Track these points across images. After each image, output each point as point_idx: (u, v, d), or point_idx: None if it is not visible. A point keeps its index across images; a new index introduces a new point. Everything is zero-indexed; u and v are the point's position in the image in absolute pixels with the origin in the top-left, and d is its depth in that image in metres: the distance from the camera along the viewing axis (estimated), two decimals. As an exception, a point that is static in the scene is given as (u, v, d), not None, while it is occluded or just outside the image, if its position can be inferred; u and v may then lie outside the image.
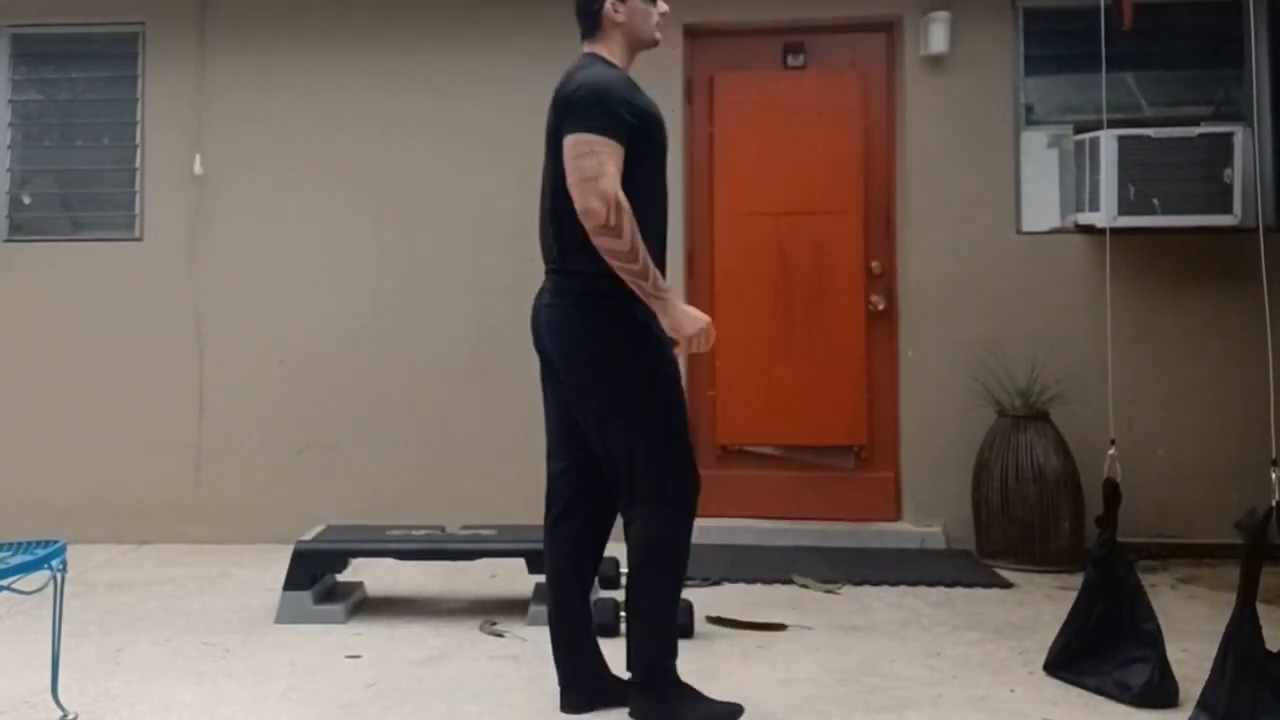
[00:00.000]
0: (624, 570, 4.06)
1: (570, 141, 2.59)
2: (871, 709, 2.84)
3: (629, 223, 2.53)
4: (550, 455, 2.94)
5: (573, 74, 2.74)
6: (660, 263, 2.69)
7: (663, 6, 2.84)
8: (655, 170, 2.78)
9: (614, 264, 2.56)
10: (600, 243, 2.55)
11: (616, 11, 2.75)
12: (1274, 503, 2.61)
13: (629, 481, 2.68)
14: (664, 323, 2.63)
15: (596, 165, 2.53)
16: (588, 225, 2.54)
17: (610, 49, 2.80)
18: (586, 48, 2.84)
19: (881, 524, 4.82)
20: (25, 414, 5.00)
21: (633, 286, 2.59)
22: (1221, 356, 4.66)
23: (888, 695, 2.95)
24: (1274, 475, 2.63)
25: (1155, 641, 2.87)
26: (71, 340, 5.02)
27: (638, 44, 2.82)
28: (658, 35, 2.84)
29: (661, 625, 2.72)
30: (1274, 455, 2.63)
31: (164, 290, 5.01)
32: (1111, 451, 3.08)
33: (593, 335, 2.66)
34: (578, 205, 2.55)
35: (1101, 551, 3.02)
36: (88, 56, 5.17)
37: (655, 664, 2.70)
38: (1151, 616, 2.90)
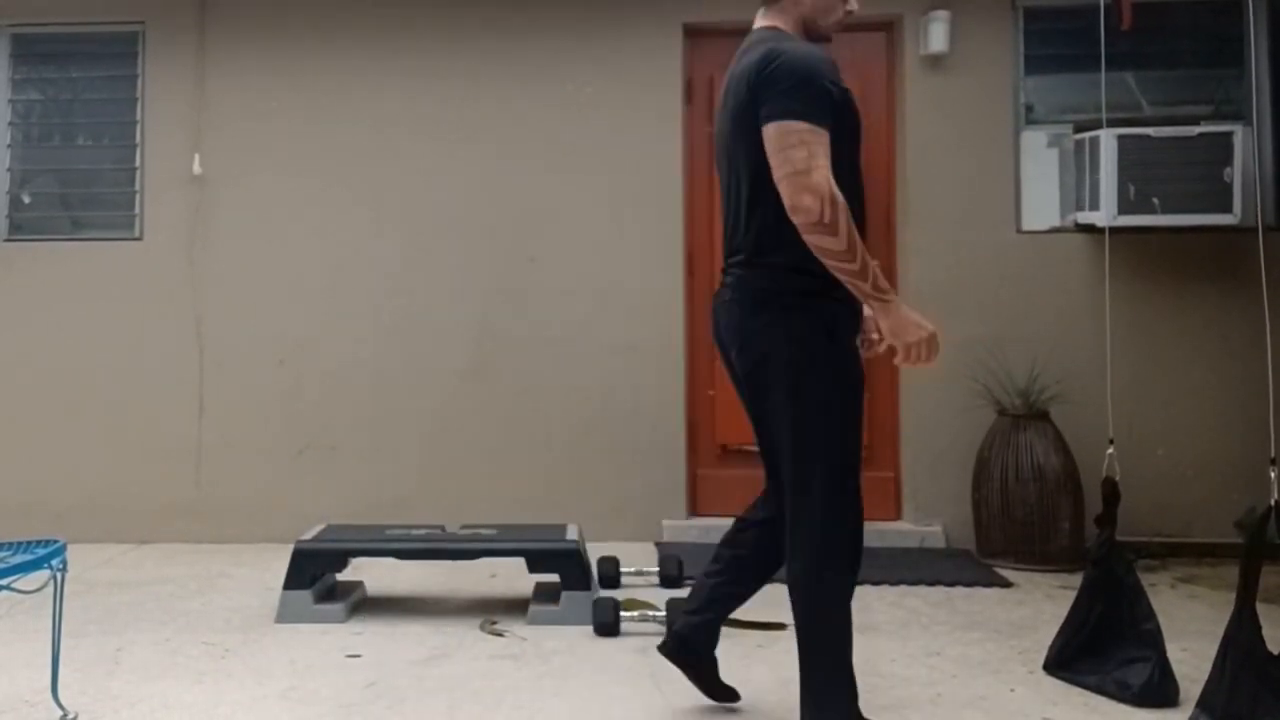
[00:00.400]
0: (624, 570, 4.10)
1: (775, 130, 2.34)
2: (871, 709, 2.84)
3: (845, 218, 2.30)
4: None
5: (763, 47, 2.46)
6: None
7: (853, 5, 2.62)
8: (852, 154, 2.56)
9: (830, 264, 2.33)
10: (814, 241, 2.32)
11: None
12: (1273, 501, 2.60)
13: (789, 519, 2.50)
14: (884, 326, 2.39)
15: (807, 157, 2.30)
16: (799, 222, 2.31)
17: (781, 21, 2.57)
18: (764, 20, 2.62)
19: (881, 524, 4.81)
20: (25, 414, 5.00)
21: (851, 287, 2.35)
22: (1221, 356, 4.66)
23: (887, 695, 2.95)
24: (1273, 474, 2.63)
25: (1155, 641, 2.87)
26: (71, 340, 5.02)
27: (813, 32, 2.59)
28: (833, 32, 2.62)
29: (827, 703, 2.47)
30: (1273, 454, 2.63)
31: (164, 290, 5.01)
32: (1110, 451, 3.08)
33: (768, 335, 2.45)
34: (788, 202, 2.32)
35: (1101, 551, 3.02)
36: (88, 56, 5.17)
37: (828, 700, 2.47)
38: (1151, 616, 2.91)
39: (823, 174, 2.30)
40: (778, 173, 2.34)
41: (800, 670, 2.49)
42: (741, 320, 2.51)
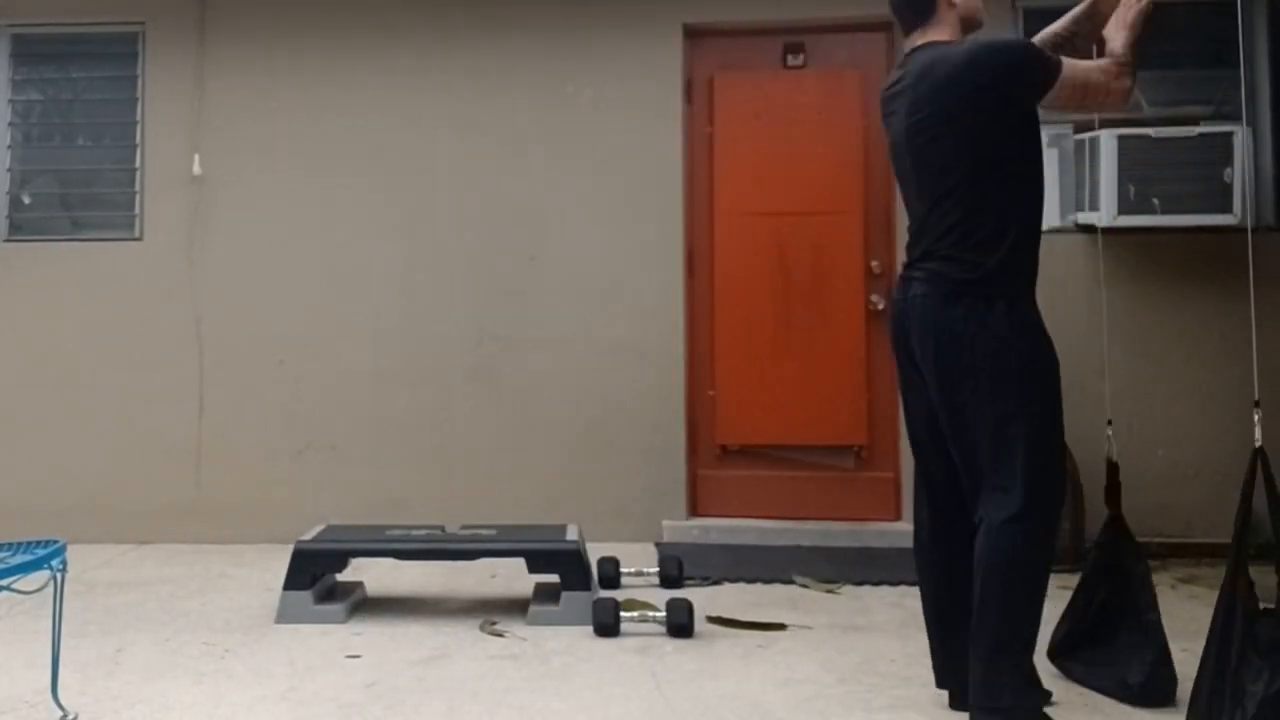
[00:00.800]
0: (624, 570, 4.10)
1: (1061, 82, 2.55)
2: (871, 709, 2.85)
3: (1131, 70, 2.58)
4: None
5: (959, 51, 2.63)
6: (1034, 259, 2.68)
7: None
8: (1037, 146, 2.73)
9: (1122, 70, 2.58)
10: (1118, 85, 2.58)
11: None
12: (1256, 444, 2.70)
13: (997, 485, 2.56)
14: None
15: (1082, 84, 2.57)
16: (1114, 89, 2.58)
17: (943, 33, 2.70)
18: (919, 39, 2.73)
19: (881, 524, 4.82)
20: (25, 414, 5.00)
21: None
22: (1221, 356, 4.66)
23: (887, 695, 2.95)
24: (1256, 416, 2.76)
25: (1157, 634, 2.85)
26: (71, 340, 5.02)
27: (970, 25, 2.76)
28: (983, 16, 2.80)
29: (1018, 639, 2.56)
30: (1256, 397, 2.81)
31: (164, 290, 5.01)
32: (1109, 432, 3.09)
33: (974, 326, 2.56)
34: (1110, 91, 2.57)
35: (1107, 535, 3.01)
36: (88, 56, 5.17)
37: (1004, 689, 2.51)
38: (1154, 607, 2.89)
39: (1101, 71, 2.58)
40: (1077, 102, 2.61)
41: (994, 640, 2.53)
42: (939, 316, 2.59)
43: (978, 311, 2.55)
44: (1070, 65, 2.55)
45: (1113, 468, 3.07)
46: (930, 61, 2.64)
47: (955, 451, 2.64)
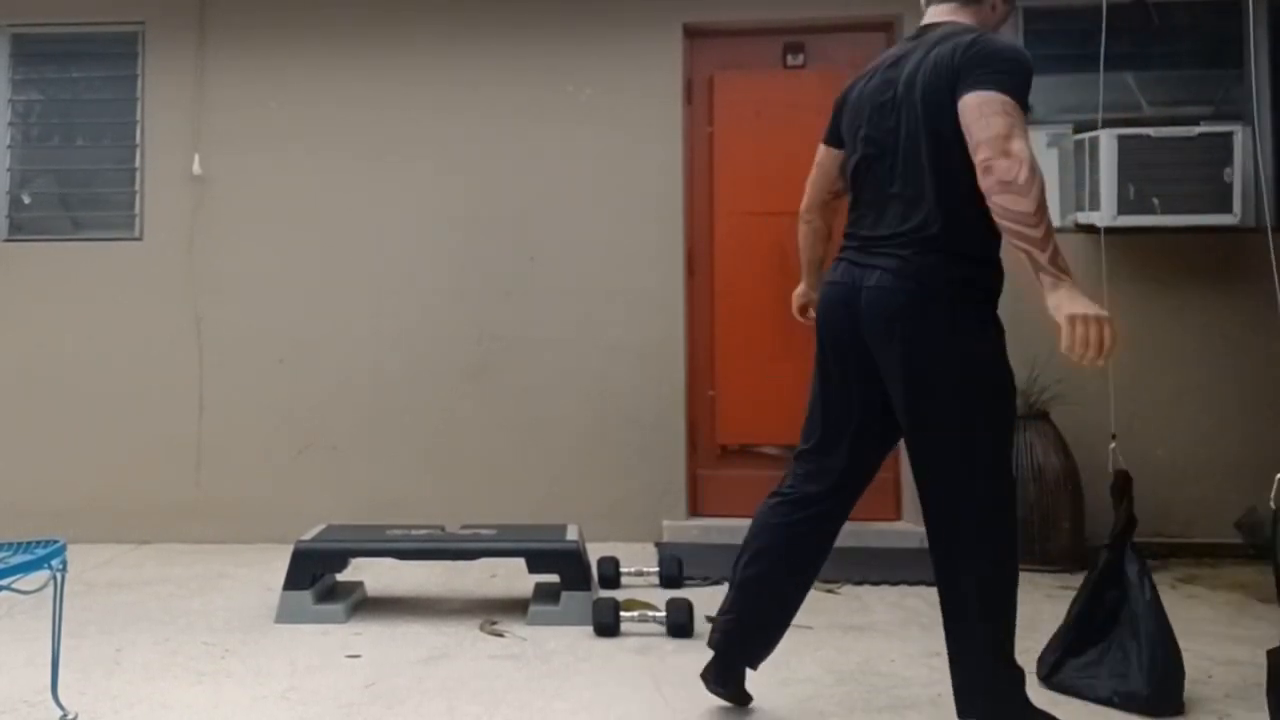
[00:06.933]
0: (624, 570, 4.10)
1: (978, 99, 2.31)
2: (871, 709, 2.84)
3: (1040, 183, 2.25)
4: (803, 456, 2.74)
5: (968, 35, 2.45)
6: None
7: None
8: None
9: (1011, 227, 2.26)
10: (1001, 201, 2.25)
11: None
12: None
13: (954, 523, 2.51)
14: (1051, 301, 2.26)
15: (1009, 124, 2.27)
16: (990, 182, 2.26)
17: (973, 20, 2.58)
18: (952, 15, 2.60)
19: (881, 524, 4.82)
20: (25, 414, 5.01)
21: (1026, 256, 2.26)
22: (1221, 356, 4.67)
23: (887, 695, 2.95)
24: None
25: (1165, 643, 2.81)
26: (71, 340, 5.02)
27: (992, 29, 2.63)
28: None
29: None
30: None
31: (164, 290, 5.01)
32: (1113, 445, 3.06)
33: (957, 335, 2.41)
34: (985, 160, 2.26)
35: (1114, 550, 2.94)
36: (88, 56, 5.17)
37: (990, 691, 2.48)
38: (1164, 620, 2.84)
39: (1023, 142, 2.27)
40: (978, 135, 2.29)
41: (975, 653, 2.49)
42: (905, 312, 2.43)
43: (962, 317, 2.43)
44: (1015, 115, 2.31)
45: (1126, 479, 2.99)
46: (940, 37, 2.51)
47: (914, 457, 2.55)
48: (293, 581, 3.66)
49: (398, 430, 4.93)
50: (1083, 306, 2.23)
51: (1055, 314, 2.26)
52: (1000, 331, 2.49)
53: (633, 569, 4.15)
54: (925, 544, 4.81)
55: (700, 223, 5.02)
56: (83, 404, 4.99)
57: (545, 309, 4.92)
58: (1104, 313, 2.22)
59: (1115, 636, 2.91)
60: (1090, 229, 4.63)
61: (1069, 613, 3.04)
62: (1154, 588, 2.90)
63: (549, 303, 4.92)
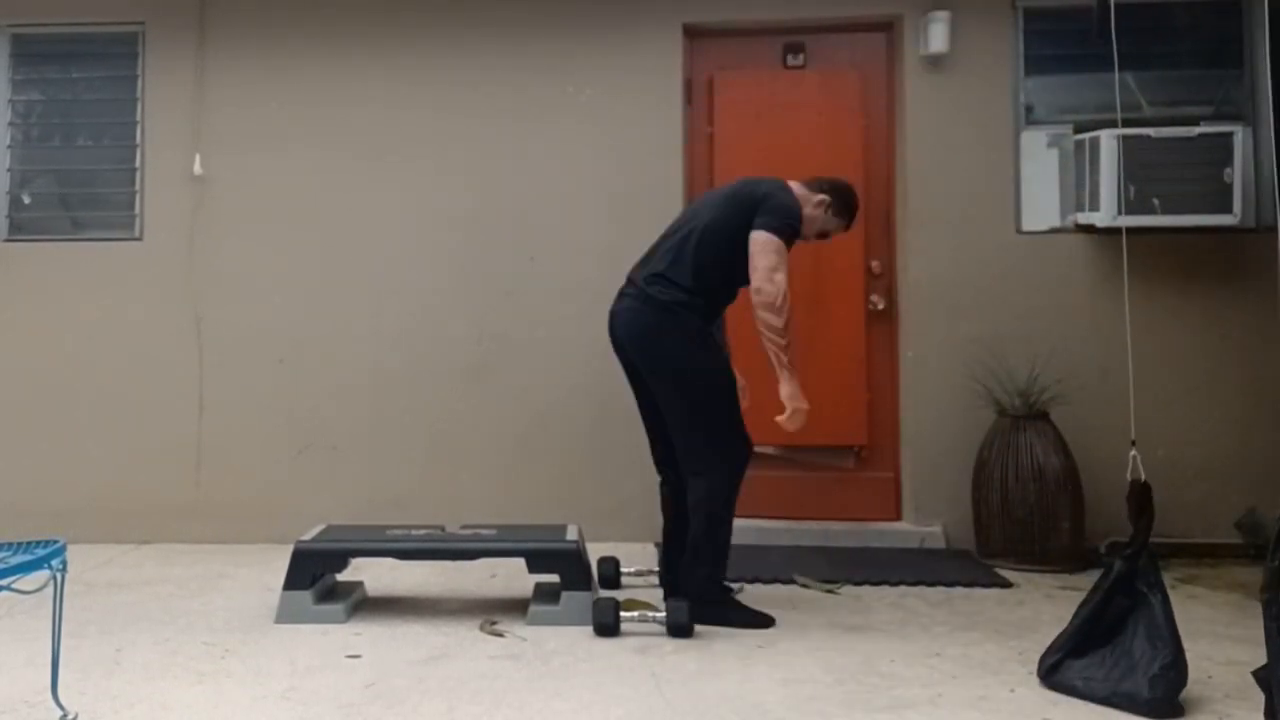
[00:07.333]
0: (624, 570, 4.11)
1: (764, 238, 3.46)
2: (871, 709, 2.84)
3: (788, 310, 3.44)
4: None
5: (774, 183, 3.66)
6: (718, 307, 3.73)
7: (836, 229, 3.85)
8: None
9: (765, 332, 3.45)
10: (762, 316, 3.44)
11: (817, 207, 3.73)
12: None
13: (693, 451, 3.56)
14: (785, 391, 3.47)
15: (778, 261, 3.45)
16: (758, 299, 3.43)
17: (799, 195, 3.69)
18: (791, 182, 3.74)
19: (882, 524, 4.82)
20: (25, 414, 5.01)
21: (770, 351, 3.46)
22: (1221, 356, 4.66)
23: (887, 695, 2.95)
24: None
25: (1172, 648, 2.80)
26: (71, 340, 5.02)
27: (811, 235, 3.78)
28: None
29: (719, 554, 3.61)
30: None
31: (164, 290, 5.01)
32: (1133, 454, 3.02)
33: (668, 331, 3.55)
34: (757, 283, 3.43)
35: (1128, 558, 2.91)
36: (88, 56, 5.17)
37: (713, 579, 3.59)
38: (1169, 621, 2.83)
39: (784, 277, 3.46)
40: (756, 262, 3.45)
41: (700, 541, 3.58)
42: (640, 321, 3.63)
43: (671, 319, 3.56)
44: (783, 255, 3.49)
45: (1146, 492, 2.95)
46: (762, 182, 3.67)
47: (671, 424, 3.62)
48: (293, 581, 3.66)
49: (397, 430, 4.93)
50: (801, 400, 3.50)
51: (787, 400, 3.48)
52: (704, 330, 3.63)
53: (633, 569, 4.15)
54: (925, 544, 4.88)
55: (700, 223, 5.01)
56: (83, 404, 4.99)
57: (545, 309, 4.92)
58: (807, 405, 3.52)
59: (1119, 641, 2.89)
60: (1090, 229, 4.63)
61: (1075, 616, 3.02)
62: (1168, 600, 2.88)
63: (549, 303, 4.92)
